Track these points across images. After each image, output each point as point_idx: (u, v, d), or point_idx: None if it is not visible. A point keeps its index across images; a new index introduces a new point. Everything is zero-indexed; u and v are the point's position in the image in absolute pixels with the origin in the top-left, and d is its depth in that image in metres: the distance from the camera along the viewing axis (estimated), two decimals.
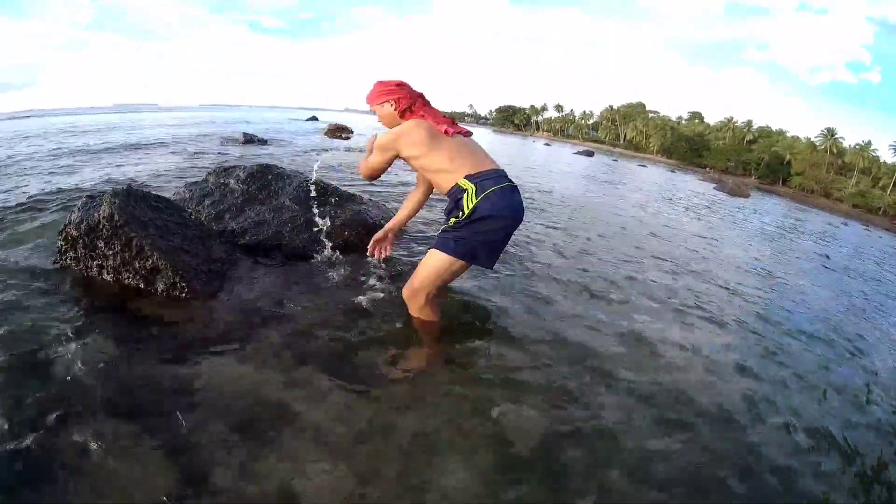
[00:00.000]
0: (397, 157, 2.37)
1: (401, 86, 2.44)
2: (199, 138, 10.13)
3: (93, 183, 4.54)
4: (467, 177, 2.22)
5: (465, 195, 2.19)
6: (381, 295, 2.60)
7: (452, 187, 2.24)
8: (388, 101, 2.42)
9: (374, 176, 2.47)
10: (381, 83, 2.46)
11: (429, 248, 2.30)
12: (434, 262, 2.24)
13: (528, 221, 4.64)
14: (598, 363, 2.31)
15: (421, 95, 2.46)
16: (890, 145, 64.08)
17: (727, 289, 4.02)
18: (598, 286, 3.30)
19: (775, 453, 1.92)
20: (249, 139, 10.06)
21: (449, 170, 2.26)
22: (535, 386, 2.06)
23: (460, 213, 2.20)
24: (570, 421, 1.88)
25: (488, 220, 2.17)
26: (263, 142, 10.29)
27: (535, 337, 2.47)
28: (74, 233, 2.38)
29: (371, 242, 2.84)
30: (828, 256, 7.78)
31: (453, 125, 2.40)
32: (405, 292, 2.35)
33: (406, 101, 2.40)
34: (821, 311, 4.10)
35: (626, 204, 8.65)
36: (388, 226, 2.85)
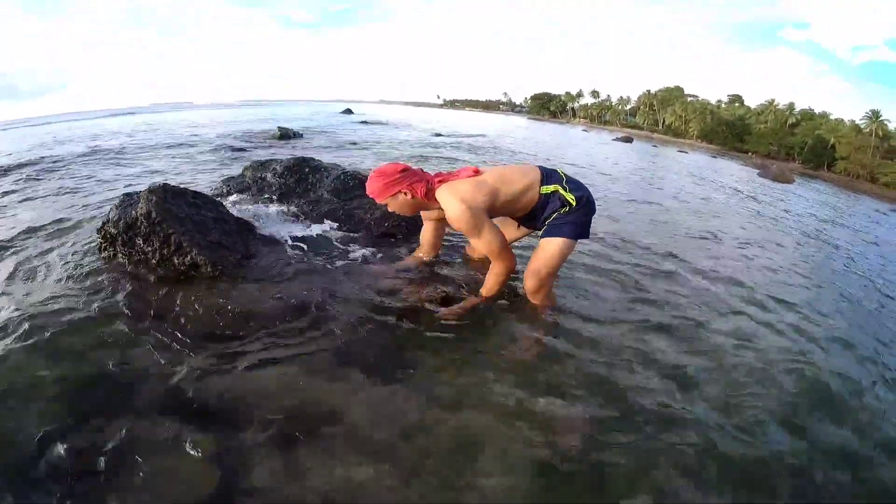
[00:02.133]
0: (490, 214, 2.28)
1: (406, 171, 2.30)
2: (234, 135, 10.28)
3: (129, 182, 4.60)
4: (543, 184, 2.36)
5: (557, 195, 2.35)
6: (424, 290, 2.52)
7: (539, 200, 2.36)
8: (400, 191, 2.27)
9: (507, 250, 2.31)
10: (381, 175, 2.29)
11: (543, 238, 2.38)
12: (561, 248, 2.35)
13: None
14: (649, 361, 2.17)
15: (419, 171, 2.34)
16: None
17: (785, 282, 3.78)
18: (646, 282, 3.11)
19: (836, 458, 1.75)
20: (285, 133, 10.13)
21: (521, 191, 2.34)
22: (582, 385, 1.94)
23: (568, 207, 2.33)
24: (614, 422, 1.77)
25: (585, 204, 2.38)
26: (299, 136, 10.35)
27: (586, 335, 2.34)
28: (113, 230, 2.37)
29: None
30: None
31: (467, 169, 2.37)
32: (531, 284, 2.41)
33: (423, 186, 2.28)
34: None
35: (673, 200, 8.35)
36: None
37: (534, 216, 2.42)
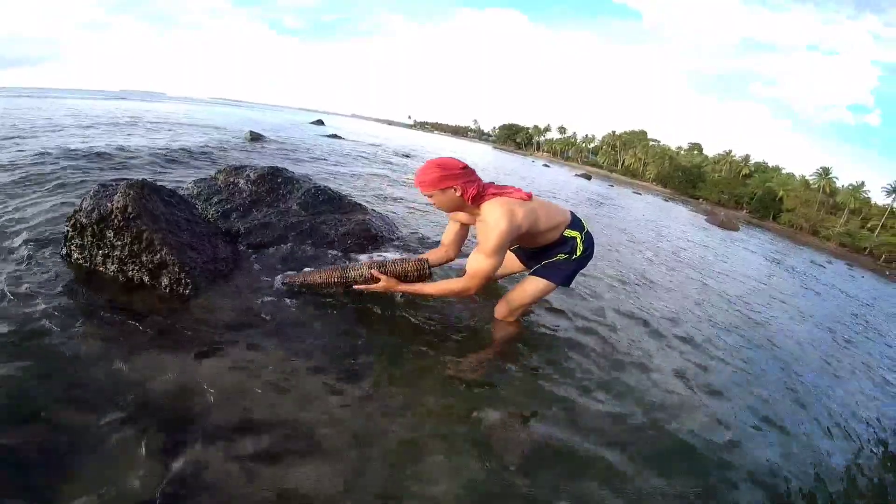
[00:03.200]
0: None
1: (465, 170, 2.31)
2: (205, 134, 10.21)
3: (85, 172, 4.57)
4: (569, 227, 2.55)
5: (576, 242, 2.54)
6: (378, 306, 2.62)
7: (558, 239, 2.54)
8: (452, 186, 2.28)
9: (492, 273, 2.34)
10: (441, 166, 2.29)
11: (531, 275, 2.63)
12: (540, 288, 2.60)
13: None
14: (592, 381, 2.40)
15: (474, 172, 2.37)
16: (883, 188, 64.95)
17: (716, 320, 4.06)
18: (593, 310, 3.34)
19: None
20: (256, 136, 10.17)
21: (551, 228, 2.49)
22: (531, 404, 2.12)
23: (574, 254, 2.55)
24: (555, 436, 1.94)
25: (588, 256, 2.63)
26: (270, 141, 10.38)
27: (539, 349, 2.59)
28: (84, 220, 2.37)
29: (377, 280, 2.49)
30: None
31: (520, 190, 2.43)
32: (501, 310, 2.66)
33: (476, 188, 2.30)
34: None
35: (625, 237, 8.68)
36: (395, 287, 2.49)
37: (541, 253, 2.61)
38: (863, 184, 64.90)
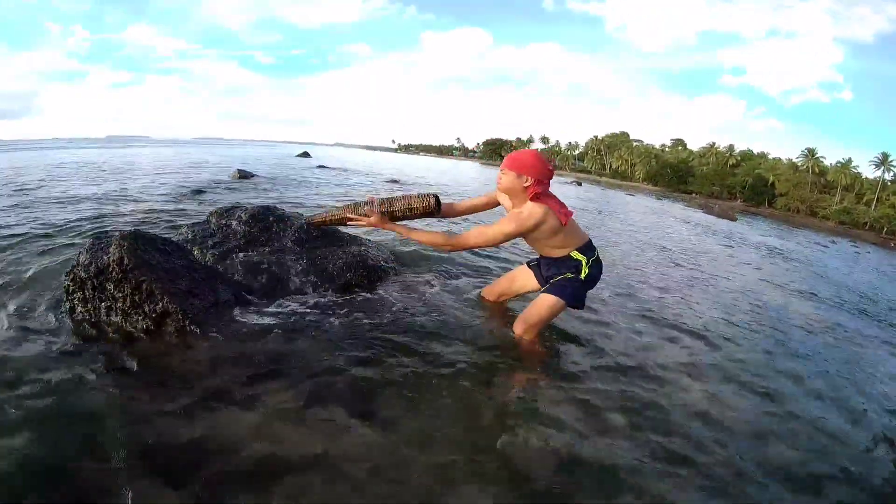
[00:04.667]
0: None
1: (548, 174, 2.54)
2: (194, 175, 10.33)
3: (92, 221, 4.63)
4: (577, 249, 2.68)
5: (581, 265, 2.67)
6: (388, 335, 2.64)
7: (563, 257, 2.69)
8: (529, 176, 2.49)
9: (484, 246, 2.75)
10: (537, 157, 2.54)
11: (543, 293, 2.72)
12: (553, 305, 2.67)
13: None
14: (617, 394, 2.41)
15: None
16: (870, 161, 66.32)
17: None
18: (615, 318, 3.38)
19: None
20: (244, 175, 10.23)
21: (562, 246, 2.67)
22: (551, 420, 2.12)
23: (579, 276, 2.67)
24: (584, 456, 1.93)
25: (594, 280, 2.76)
26: (258, 178, 10.44)
27: (557, 370, 2.61)
28: (83, 274, 2.41)
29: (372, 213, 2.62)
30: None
31: (566, 210, 2.60)
32: (520, 328, 2.70)
33: (542, 188, 2.52)
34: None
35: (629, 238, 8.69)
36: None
37: (552, 267, 2.76)
38: (850, 160, 65.91)
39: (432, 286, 3.48)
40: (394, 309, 2.99)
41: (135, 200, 6.07)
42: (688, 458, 2.00)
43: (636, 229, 10.29)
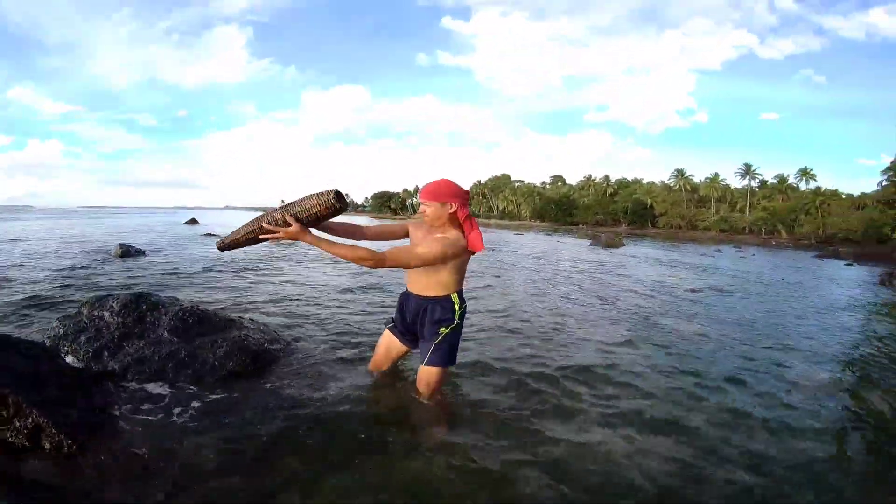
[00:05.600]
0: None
1: (465, 190, 2.63)
2: (72, 251, 9.98)
3: None
4: (458, 293, 2.75)
5: (455, 307, 2.71)
6: (278, 423, 2.64)
7: (444, 296, 2.71)
8: (452, 202, 2.57)
9: (406, 265, 2.58)
10: (453, 184, 2.60)
11: (426, 365, 2.75)
12: (441, 375, 2.79)
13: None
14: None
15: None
16: (735, 172, 75.74)
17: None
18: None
19: None
20: (126, 251, 9.84)
21: (454, 282, 2.72)
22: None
23: (451, 323, 2.70)
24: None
25: (461, 327, 2.79)
26: (141, 253, 10.09)
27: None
28: None
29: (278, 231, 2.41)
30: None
31: (481, 241, 2.63)
32: (429, 399, 2.82)
33: (467, 209, 2.62)
34: None
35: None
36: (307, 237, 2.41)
37: (415, 310, 2.78)
38: (717, 174, 73.73)
39: (323, 366, 3.49)
40: (283, 396, 2.97)
41: (2, 287, 5.77)
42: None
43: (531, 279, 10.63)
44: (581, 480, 2.28)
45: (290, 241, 2.47)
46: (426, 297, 2.73)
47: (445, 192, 2.57)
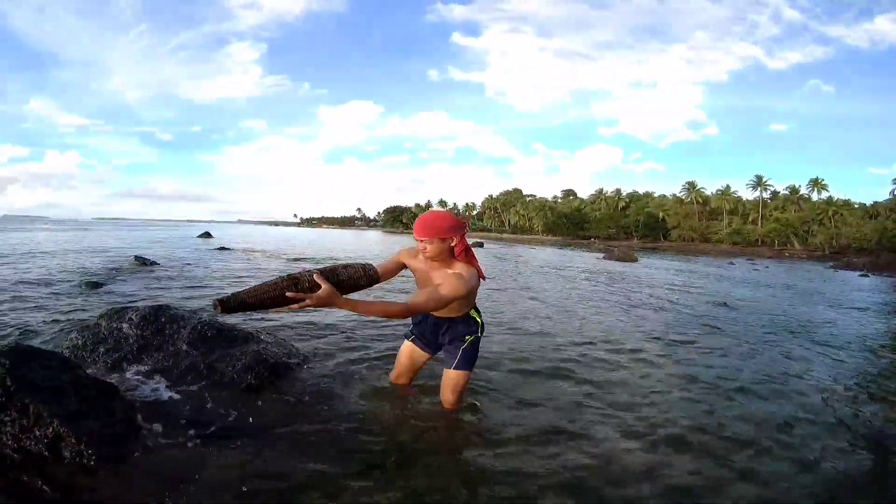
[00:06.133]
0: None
1: (461, 222, 2.59)
2: (89, 263, 10.09)
3: None
4: (475, 308, 2.89)
5: (479, 324, 2.88)
6: (298, 435, 2.63)
7: (463, 315, 2.84)
8: (453, 238, 2.53)
9: (434, 310, 2.60)
10: (450, 218, 2.56)
11: (453, 369, 2.86)
12: (467, 379, 2.94)
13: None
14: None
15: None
16: (746, 184, 76.06)
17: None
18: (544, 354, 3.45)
19: None
20: (142, 262, 9.98)
21: (469, 304, 2.83)
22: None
23: (476, 334, 2.86)
24: None
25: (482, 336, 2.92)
26: (156, 264, 10.18)
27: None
28: None
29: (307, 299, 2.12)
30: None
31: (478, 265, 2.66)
32: (453, 406, 2.92)
33: (464, 244, 2.59)
34: None
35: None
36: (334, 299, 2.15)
37: (436, 329, 2.90)
38: (728, 186, 73.53)
39: (340, 378, 3.49)
40: (301, 408, 2.96)
41: (22, 298, 5.81)
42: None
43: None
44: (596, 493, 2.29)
45: (316, 307, 2.17)
46: (447, 318, 2.84)
47: (444, 227, 2.51)
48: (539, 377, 3.83)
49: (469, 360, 2.85)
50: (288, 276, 2.15)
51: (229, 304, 2.07)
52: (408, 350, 3.12)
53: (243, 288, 2.17)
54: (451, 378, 2.87)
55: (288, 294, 2.07)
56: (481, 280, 2.65)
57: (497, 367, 3.98)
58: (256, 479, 2.21)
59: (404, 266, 2.77)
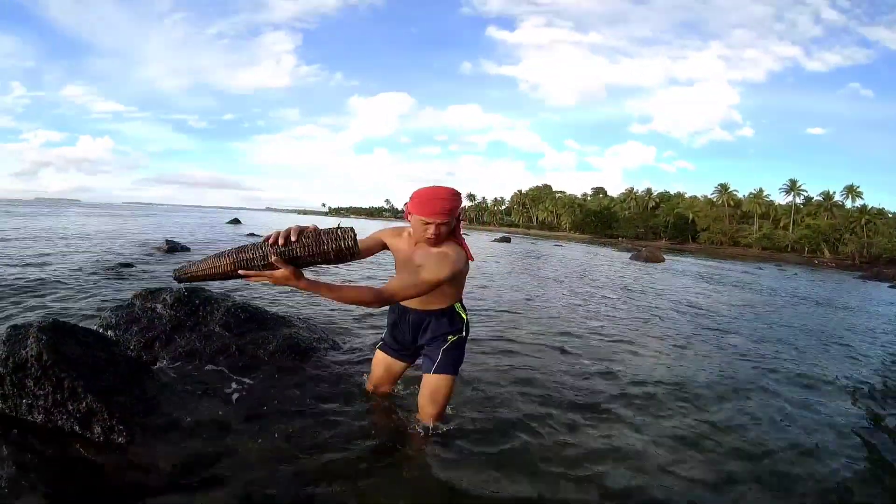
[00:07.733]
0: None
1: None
2: (121, 246, 10.28)
3: (10, 300, 4.55)
4: (461, 302, 2.53)
5: (464, 322, 2.51)
6: (326, 418, 2.62)
7: (448, 308, 2.47)
8: (458, 214, 2.23)
9: (414, 297, 2.21)
10: (451, 189, 2.20)
11: (433, 374, 2.44)
12: (450, 386, 2.48)
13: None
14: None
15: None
16: (779, 188, 73.83)
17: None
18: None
19: None
20: (173, 247, 10.10)
21: (456, 294, 2.48)
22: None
23: (460, 334, 2.49)
24: None
25: (465, 339, 2.55)
26: (186, 249, 10.30)
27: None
28: (1, 370, 2.28)
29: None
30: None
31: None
32: (435, 421, 2.50)
33: (457, 221, 2.28)
34: None
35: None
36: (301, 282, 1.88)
37: (415, 327, 2.51)
38: (761, 190, 71.81)
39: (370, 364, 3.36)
40: (331, 392, 2.94)
41: (57, 279, 5.91)
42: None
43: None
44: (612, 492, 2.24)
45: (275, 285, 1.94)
46: (429, 310, 2.48)
47: (459, 202, 2.21)
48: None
49: (453, 363, 2.46)
50: (245, 247, 1.90)
51: (183, 274, 1.99)
52: (382, 360, 2.76)
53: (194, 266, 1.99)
54: (430, 385, 2.45)
55: (240, 272, 1.87)
56: (471, 261, 2.36)
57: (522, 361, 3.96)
58: (279, 461, 2.22)
59: (384, 246, 2.44)
